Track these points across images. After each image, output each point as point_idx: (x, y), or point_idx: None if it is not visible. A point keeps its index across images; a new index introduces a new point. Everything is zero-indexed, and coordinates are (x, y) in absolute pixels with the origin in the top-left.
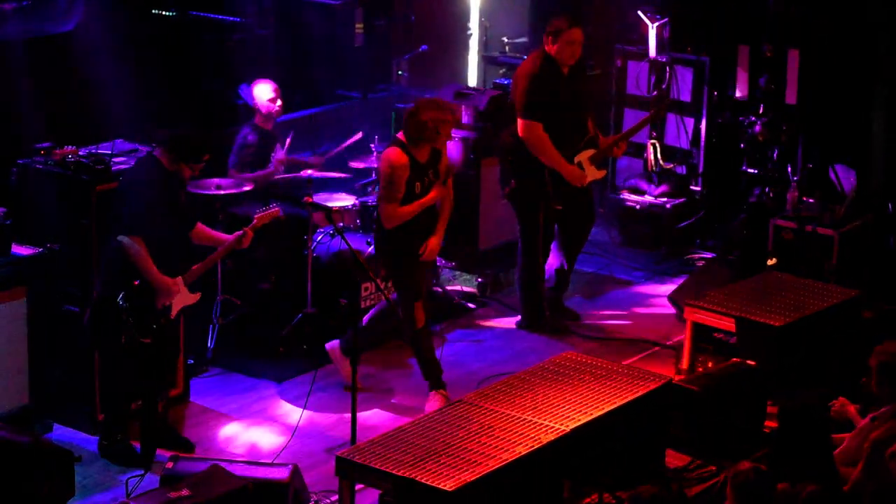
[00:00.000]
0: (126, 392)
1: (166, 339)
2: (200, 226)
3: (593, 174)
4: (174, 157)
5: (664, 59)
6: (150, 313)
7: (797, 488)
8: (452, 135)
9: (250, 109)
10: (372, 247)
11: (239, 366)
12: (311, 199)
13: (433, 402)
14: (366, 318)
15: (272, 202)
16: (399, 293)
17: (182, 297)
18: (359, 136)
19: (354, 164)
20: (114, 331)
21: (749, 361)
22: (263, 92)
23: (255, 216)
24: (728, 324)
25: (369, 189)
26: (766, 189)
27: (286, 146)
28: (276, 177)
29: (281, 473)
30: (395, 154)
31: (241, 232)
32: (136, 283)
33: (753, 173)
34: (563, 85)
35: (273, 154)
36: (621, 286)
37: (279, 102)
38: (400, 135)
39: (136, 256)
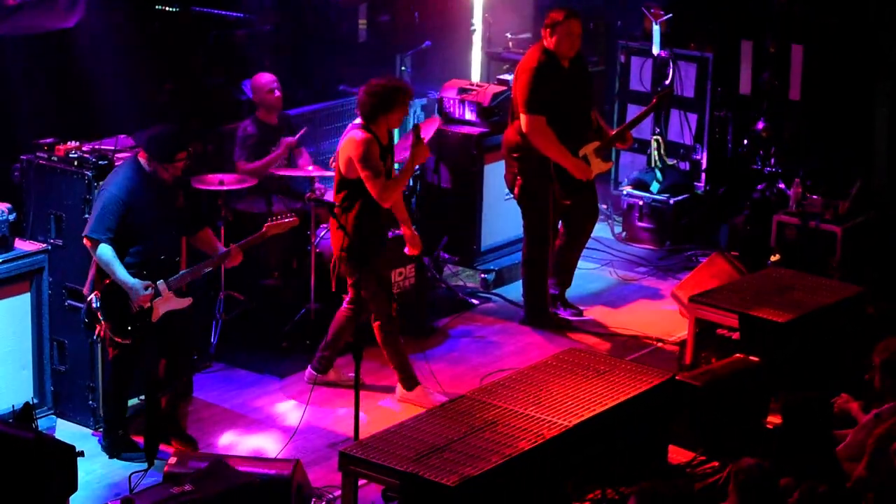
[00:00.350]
0: (118, 390)
1: (152, 342)
2: (208, 232)
3: (599, 167)
4: (148, 157)
5: (667, 55)
6: (126, 314)
7: (803, 484)
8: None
9: (254, 105)
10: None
11: (242, 361)
12: (314, 195)
13: (424, 398)
14: (329, 332)
15: (275, 200)
16: (372, 292)
17: (166, 301)
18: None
19: None
20: (89, 329)
21: (752, 357)
22: (260, 82)
23: (266, 225)
24: (731, 320)
25: None
26: (770, 185)
27: (297, 137)
28: (279, 172)
29: (284, 469)
30: (357, 134)
31: (226, 250)
32: (107, 281)
33: (756, 169)
34: (564, 78)
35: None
36: (624, 282)
37: (277, 93)
38: (358, 121)
39: (97, 258)
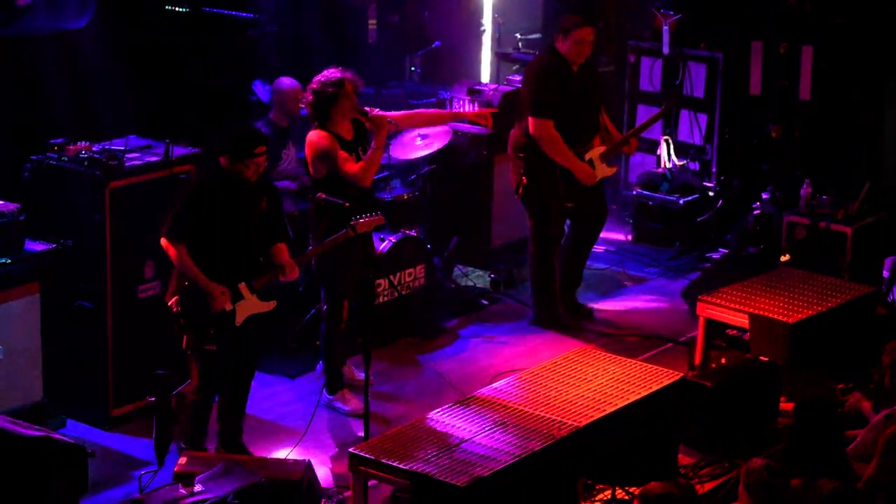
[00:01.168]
0: (205, 411)
1: (236, 348)
2: (282, 247)
3: (604, 171)
4: (228, 157)
5: (677, 56)
6: (208, 318)
7: (814, 484)
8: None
9: (264, 106)
10: (385, 243)
11: None
12: (324, 196)
13: (350, 402)
14: (322, 346)
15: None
16: (330, 293)
17: (249, 305)
18: None
19: None
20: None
21: (762, 357)
22: (284, 86)
23: (353, 221)
24: (741, 320)
25: (381, 185)
26: (780, 185)
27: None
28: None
29: (294, 470)
30: (314, 135)
31: (280, 265)
32: (186, 284)
33: (766, 169)
34: (572, 82)
35: (284, 151)
36: (634, 282)
37: (301, 104)
38: (315, 125)
39: (174, 260)
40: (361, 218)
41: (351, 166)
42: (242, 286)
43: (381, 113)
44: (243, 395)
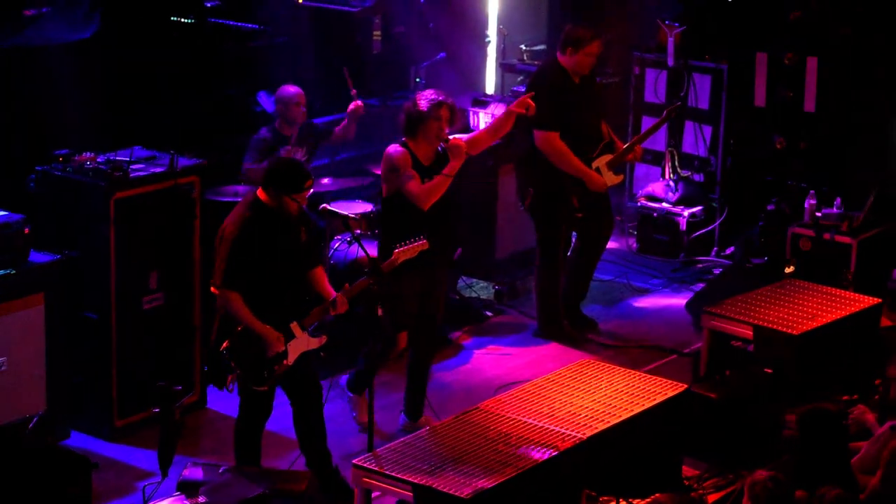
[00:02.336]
0: (253, 432)
1: (296, 386)
2: (319, 271)
3: (611, 179)
4: (272, 191)
5: (682, 67)
6: (260, 360)
7: (819, 493)
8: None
9: (268, 117)
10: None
11: None
12: (327, 207)
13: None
14: (363, 363)
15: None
16: (387, 311)
17: (301, 342)
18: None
19: (376, 170)
20: (217, 380)
21: (767, 369)
22: (287, 94)
23: (396, 251)
24: (746, 332)
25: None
26: (784, 197)
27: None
28: None
29: (297, 481)
30: (392, 148)
31: (331, 299)
32: (239, 328)
33: (771, 181)
34: (575, 93)
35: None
36: (639, 294)
37: (302, 108)
38: (402, 140)
39: (229, 308)
40: (405, 244)
41: (413, 186)
42: (294, 325)
43: (460, 142)
44: (317, 412)
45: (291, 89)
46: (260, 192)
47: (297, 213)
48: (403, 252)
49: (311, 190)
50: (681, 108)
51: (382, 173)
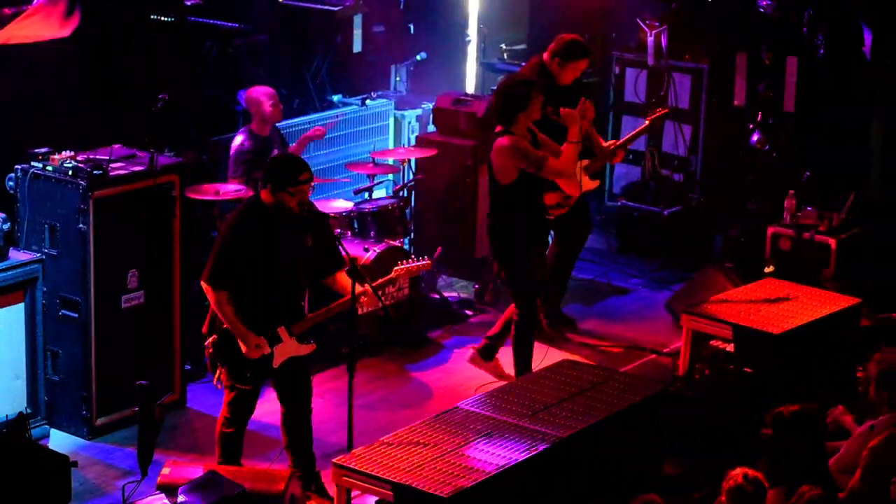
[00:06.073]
0: (236, 431)
1: (287, 388)
2: (343, 274)
3: (587, 184)
4: (270, 188)
5: (662, 67)
6: (244, 360)
7: (798, 492)
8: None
9: (248, 116)
10: (370, 253)
11: None
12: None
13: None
14: (498, 322)
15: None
16: (516, 287)
17: (287, 347)
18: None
19: (356, 169)
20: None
21: (746, 369)
22: (256, 95)
23: (395, 269)
24: (725, 331)
25: (367, 195)
26: (764, 196)
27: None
28: None
29: (277, 480)
30: (508, 140)
31: (359, 293)
32: (225, 325)
33: (751, 180)
34: (558, 97)
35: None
36: (618, 293)
37: (271, 108)
38: (498, 130)
39: (214, 305)
40: (404, 263)
41: (553, 162)
42: (282, 330)
43: (569, 110)
44: (306, 415)
45: (262, 89)
46: (262, 192)
47: (299, 211)
48: (403, 270)
49: (312, 185)
50: (665, 116)
51: (499, 166)
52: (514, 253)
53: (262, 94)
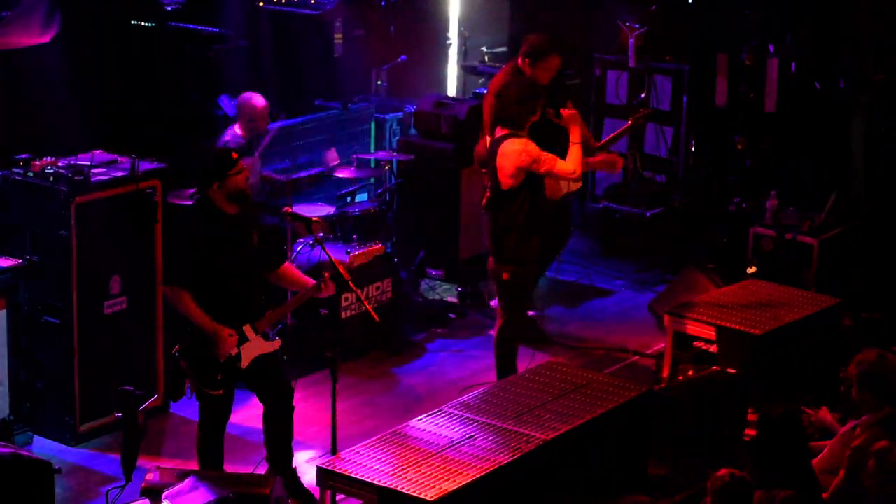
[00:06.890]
0: (214, 439)
1: (264, 388)
2: (287, 267)
3: (568, 187)
4: (203, 186)
5: (643, 68)
6: (213, 364)
7: (772, 494)
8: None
9: (230, 120)
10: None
11: None
12: (290, 210)
13: None
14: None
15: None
16: (504, 294)
17: (254, 346)
18: None
19: (339, 173)
20: (175, 387)
21: (729, 369)
22: (255, 105)
23: (349, 256)
24: (708, 332)
25: (349, 199)
26: (746, 197)
27: (260, 149)
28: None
29: (262, 485)
30: (520, 143)
31: (317, 282)
32: (189, 330)
33: (732, 181)
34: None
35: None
36: (601, 295)
37: (266, 121)
38: (505, 134)
39: (177, 306)
40: (357, 249)
41: (564, 165)
42: (247, 328)
43: (571, 111)
44: (286, 418)
45: (261, 100)
46: (209, 189)
47: (242, 197)
48: (358, 256)
49: (245, 166)
50: (649, 116)
51: (510, 170)
52: (515, 254)
53: (260, 106)
